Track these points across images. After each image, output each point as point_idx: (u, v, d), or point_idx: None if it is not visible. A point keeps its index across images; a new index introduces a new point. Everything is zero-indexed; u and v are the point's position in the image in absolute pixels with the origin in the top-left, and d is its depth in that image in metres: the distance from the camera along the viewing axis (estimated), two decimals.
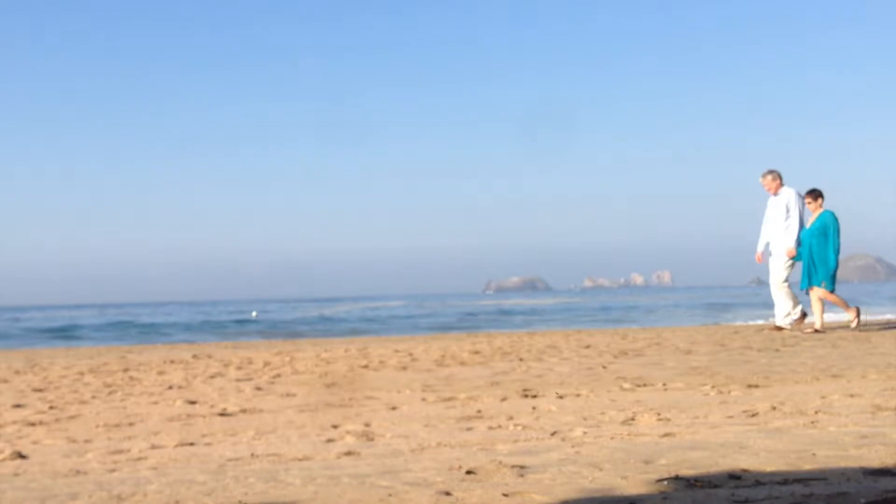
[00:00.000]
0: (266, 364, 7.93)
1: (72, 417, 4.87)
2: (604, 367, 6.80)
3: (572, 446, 3.25)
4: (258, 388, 6.00)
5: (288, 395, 5.60)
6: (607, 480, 2.61)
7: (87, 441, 4.00)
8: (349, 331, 21.39)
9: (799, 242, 10.10)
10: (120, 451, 3.63)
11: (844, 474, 2.57)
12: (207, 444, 3.78)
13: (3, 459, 3.53)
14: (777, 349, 8.03)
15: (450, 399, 5.16)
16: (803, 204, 10.19)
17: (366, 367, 7.43)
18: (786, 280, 10.31)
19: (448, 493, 2.51)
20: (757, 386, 5.33)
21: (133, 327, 27.59)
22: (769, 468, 2.70)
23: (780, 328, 10.28)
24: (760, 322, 14.96)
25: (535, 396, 5.17)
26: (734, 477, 2.59)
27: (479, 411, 4.58)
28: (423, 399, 5.21)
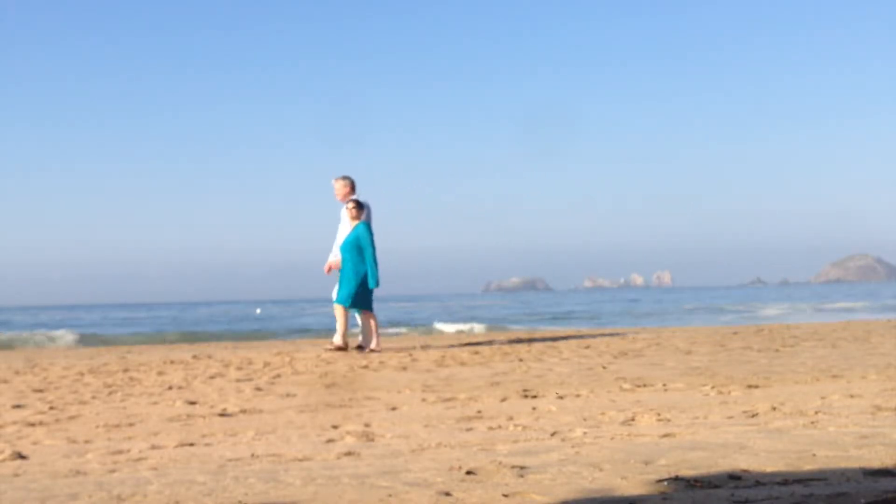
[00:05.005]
0: (266, 364, 7.93)
1: (72, 418, 4.87)
2: (604, 368, 6.80)
3: (572, 446, 3.25)
4: (258, 389, 5.99)
5: (288, 395, 5.60)
6: (607, 481, 2.61)
7: (87, 441, 4.00)
8: (348, 331, 21.31)
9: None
10: (120, 452, 3.63)
11: (844, 474, 2.57)
12: (207, 445, 3.78)
13: (3, 459, 3.53)
14: (777, 349, 8.03)
15: (450, 399, 5.16)
16: (370, 213, 9.33)
17: (366, 367, 7.43)
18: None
19: (448, 494, 2.50)
20: (757, 386, 5.33)
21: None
22: (769, 468, 2.70)
23: (339, 348, 9.31)
24: (760, 324, 14.92)
25: (535, 397, 5.17)
26: (734, 477, 2.59)
27: (479, 411, 4.58)
28: (423, 399, 5.21)
